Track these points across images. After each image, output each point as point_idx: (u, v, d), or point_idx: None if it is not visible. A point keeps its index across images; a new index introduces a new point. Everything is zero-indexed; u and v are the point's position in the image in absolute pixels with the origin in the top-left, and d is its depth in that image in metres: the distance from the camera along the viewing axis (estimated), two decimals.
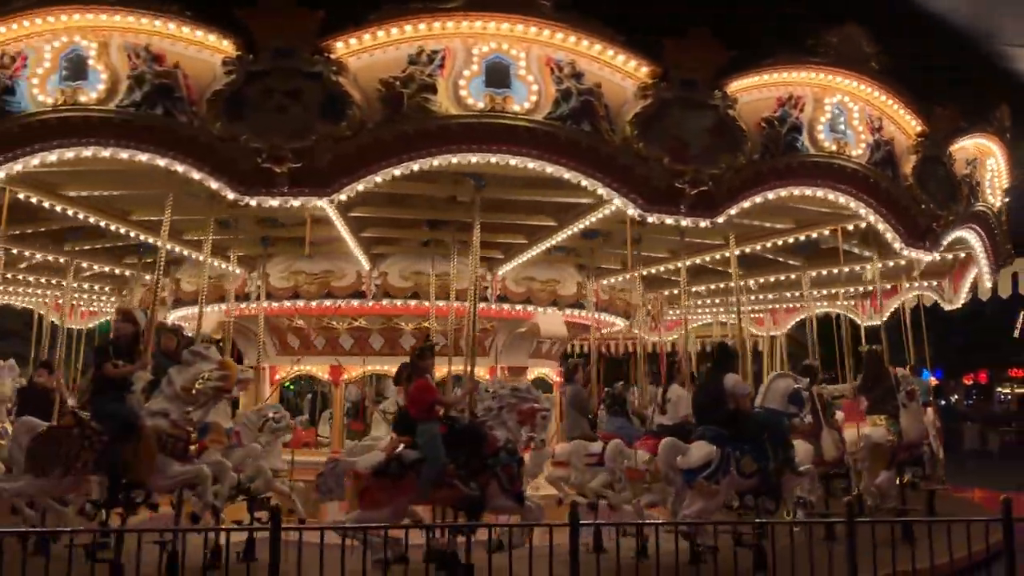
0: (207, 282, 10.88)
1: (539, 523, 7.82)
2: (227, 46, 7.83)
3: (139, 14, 7.76)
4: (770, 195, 8.93)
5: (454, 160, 8.07)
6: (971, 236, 11.35)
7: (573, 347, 18.76)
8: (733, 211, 8.74)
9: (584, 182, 8.28)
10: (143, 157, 7.84)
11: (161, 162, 7.88)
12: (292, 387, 17.91)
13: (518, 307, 12.92)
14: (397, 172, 8.03)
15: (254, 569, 8.24)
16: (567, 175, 8.23)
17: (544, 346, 14.33)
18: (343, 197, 8.09)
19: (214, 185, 7.96)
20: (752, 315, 19.93)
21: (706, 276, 14.88)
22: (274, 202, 7.99)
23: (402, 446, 8.33)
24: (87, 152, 7.87)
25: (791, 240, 11.65)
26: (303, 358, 12.99)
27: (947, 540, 6.95)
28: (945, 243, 10.46)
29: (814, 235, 11.27)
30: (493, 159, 8.06)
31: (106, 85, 7.77)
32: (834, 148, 9.04)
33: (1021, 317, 24.84)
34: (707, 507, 8.39)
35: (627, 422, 11.40)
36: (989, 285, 12.95)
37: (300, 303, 12.26)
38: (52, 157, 7.90)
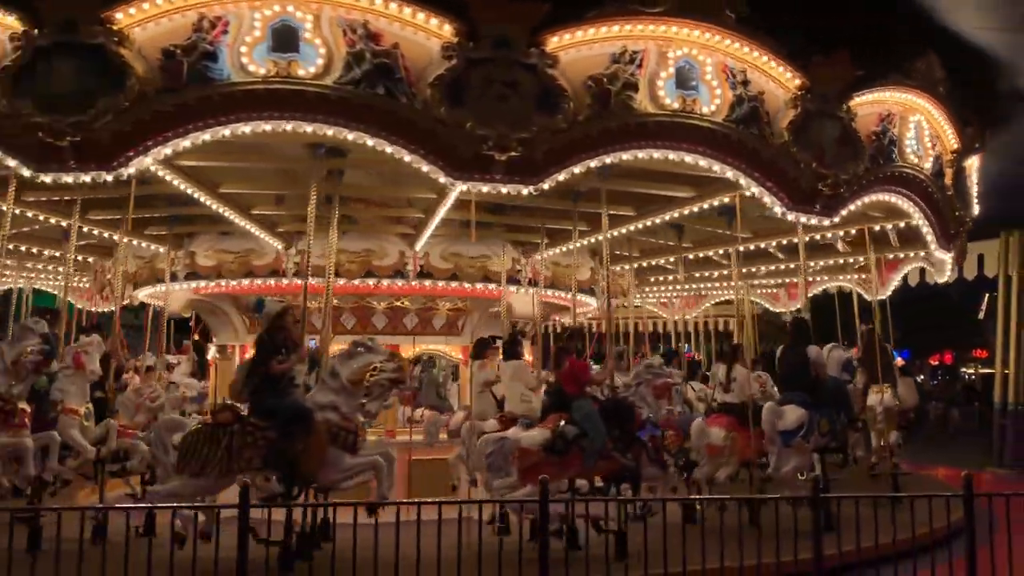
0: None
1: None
2: (447, 31, 7.88)
3: None
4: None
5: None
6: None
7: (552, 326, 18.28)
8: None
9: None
10: (350, 135, 7.85)
11: (370, 142, 7.88)
12: None
13: (441, 283, 12.57)
14: (593, 164, 8.34)
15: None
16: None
17: (517, 326, 14.07)
18: (545, 186, 8.26)
19: (425, 168, 8.02)
20: (767, 291, 19.06)
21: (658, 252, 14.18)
22: (485, 187, 8.17)
23: (562, 422, 8.61)
24: (287, 126, 7.76)
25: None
26: None
27: (911, 516, 6.97)
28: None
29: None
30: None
31: (323, 60, 7.69)
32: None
33: (986, 299, 23.91)
34: (800, 464, 9.53)
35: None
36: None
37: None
38: (246, 130, 7.77)
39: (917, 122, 10.29)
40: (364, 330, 12.22)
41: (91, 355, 9.32)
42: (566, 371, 8.98)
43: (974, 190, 12.43)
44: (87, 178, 7.84)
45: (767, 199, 9.03)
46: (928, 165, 10.48)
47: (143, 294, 14.25)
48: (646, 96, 8.30)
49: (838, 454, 10.40)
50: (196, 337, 16.52)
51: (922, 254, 14.11)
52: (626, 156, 8.41)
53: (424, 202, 11.14)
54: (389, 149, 7.89)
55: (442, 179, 8.03)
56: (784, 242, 13.23)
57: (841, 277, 15.86)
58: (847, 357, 10.88)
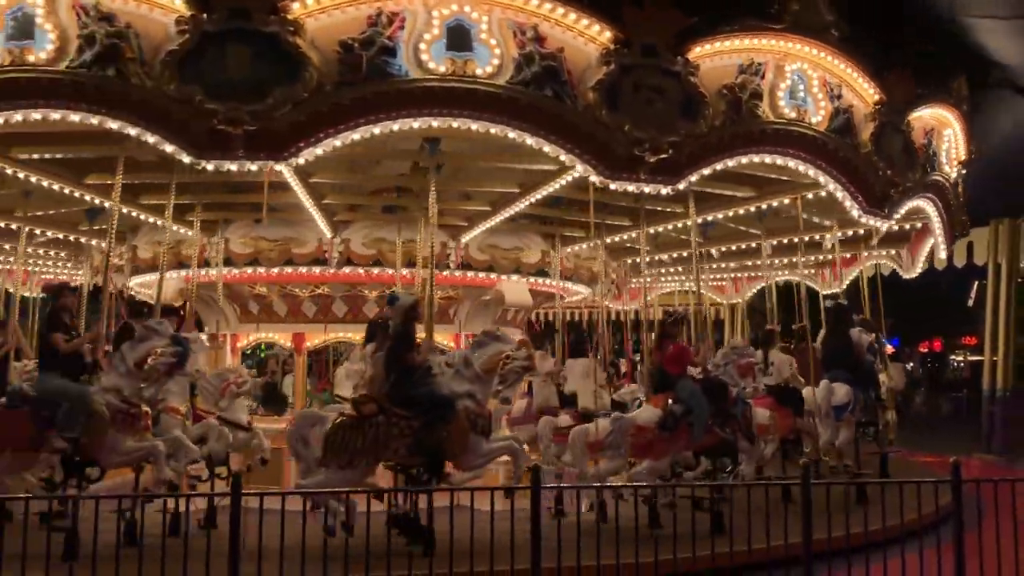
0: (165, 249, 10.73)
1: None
2: (607, 37, 8.21)
3: None
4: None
5: None
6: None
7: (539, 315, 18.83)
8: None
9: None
10: (494, 129, 8.03)
11: (530, 140, 8.12)
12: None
13: (481, 275, 12.87)
14: (719, 167, 8.91)
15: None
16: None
17: (509, 314, 14.38)
18: (681, 187, 8.80)
19: (579, 167, 8.37)
20: (714, 283, 20.16)
21: (669, 246, 14.93)
22: (631, 187, 8.62)
23: (670, 401, 9.06)
24: (455, 124, 7.96)
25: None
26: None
27: (899, 502, 7.08)
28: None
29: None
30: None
31: (498, 60, 7.90)
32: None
33: (975, 286, 25.28)
34: (849, 436, 10.65)
35: None
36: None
37: (261, 270, 12.13)
38: (416, 125, 7.93)
39: (949, 136, 11.51)
40: (355, 319, 12.46)
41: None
42: (670, 354, 9.44)
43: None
44: (254, 167, 7.76)
45: (847, 203, 9.92)
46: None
47: (135, 282, 13.80)
48: (768, 105, 8.99)
49: (870, 427, 11.49)
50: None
51: (893, 252, 15.62)
52: (745, 160, 9.06)
53: (490, 196, 11.44)
54: (547, 148, 8.22)
55: (593, 177, 8.42)
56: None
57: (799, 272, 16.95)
58: (869, 340, 11.62)
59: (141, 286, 14.00)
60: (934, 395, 23.62)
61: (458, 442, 8.04)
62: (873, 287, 14.85)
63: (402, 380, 8.12)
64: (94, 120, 7.62)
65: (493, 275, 12.86)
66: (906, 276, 15.74)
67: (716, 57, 8.76)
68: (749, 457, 9.69)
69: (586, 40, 8.24)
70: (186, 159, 7.71)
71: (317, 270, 12.09)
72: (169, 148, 7.69)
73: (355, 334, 11.87)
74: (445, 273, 12.28)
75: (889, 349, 14.35)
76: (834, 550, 6.69)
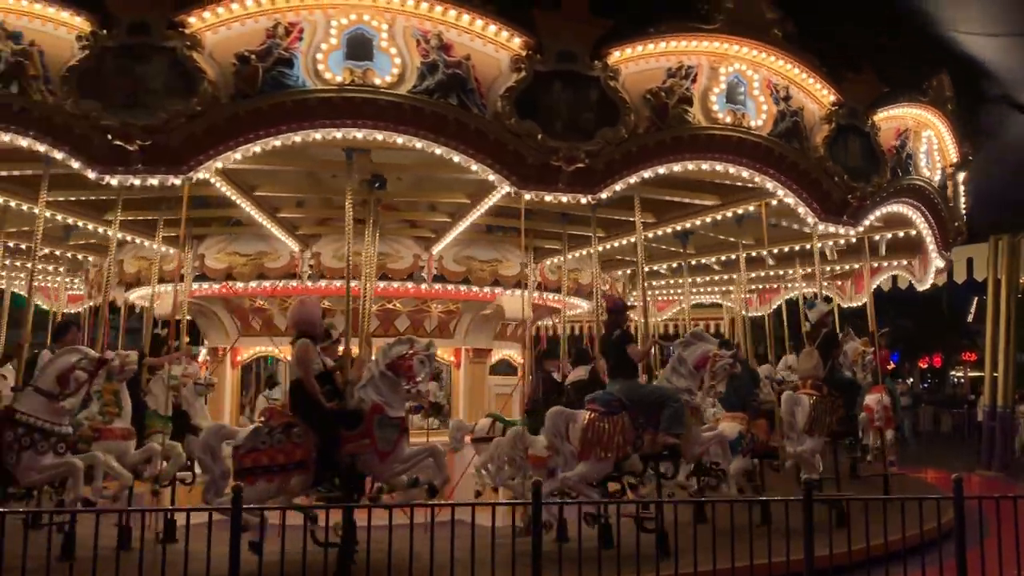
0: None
1: None
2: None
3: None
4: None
5: None
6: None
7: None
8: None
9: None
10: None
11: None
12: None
13: (461, 287, 12.67)
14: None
15: None
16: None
17: (509, 328, 14.20)
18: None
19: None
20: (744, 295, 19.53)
21: (660, 257, 14.52)
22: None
23: None
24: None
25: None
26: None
27: (900, 519, 7.05)
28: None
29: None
30: None
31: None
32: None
33: (975, 302, 24.62)
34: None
35: None
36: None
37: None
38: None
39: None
40: (354, 332, 12.29)
41: None
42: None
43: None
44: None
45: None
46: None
47: (135, 295, 14.03)
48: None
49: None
50: (187, 339, 16.24)
51: (905, 263, 14.92)
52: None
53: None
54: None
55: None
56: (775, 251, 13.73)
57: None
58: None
59: (142, 299, 14.24)
60: (936, 411, 22.76)
61: (688, 434, 8.64)
62: (878, 302, 14.43)
63: (628, 376, 8.78)
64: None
65: (463, 288, 12.68)
66: (920, 288, 15.08)
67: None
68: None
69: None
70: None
71: (294, 284, 12.11)
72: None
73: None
74: (423, 287, 12.23)
75: (889, 365, 13.89)
76: (836, 566, 6.76)
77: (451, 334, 13.32)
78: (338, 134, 7.80)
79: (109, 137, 7.42)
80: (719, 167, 8.83)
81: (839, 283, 17.06)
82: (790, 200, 9.34)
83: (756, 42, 8.75)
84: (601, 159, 8.11)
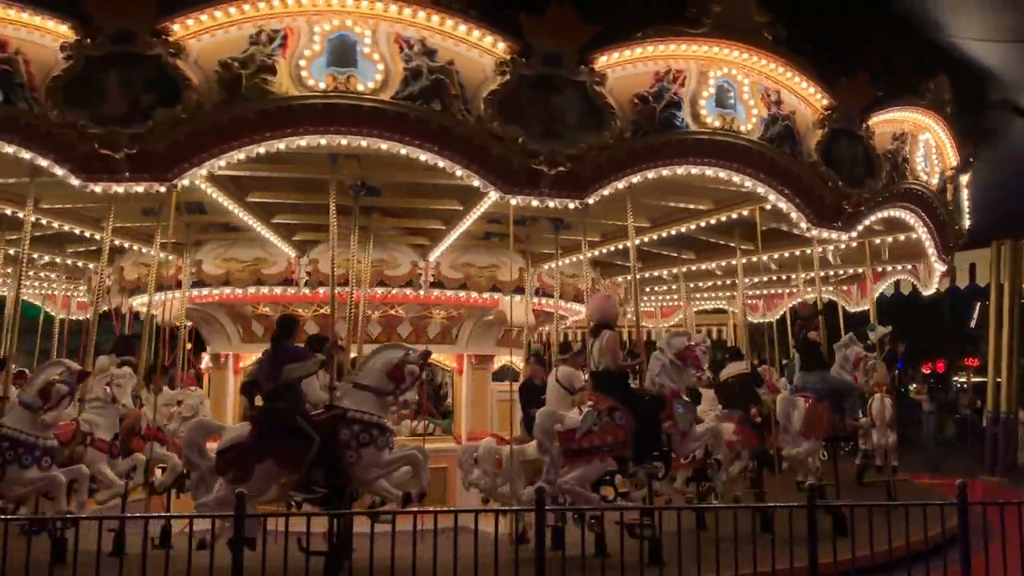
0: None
1: None
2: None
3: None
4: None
5: None
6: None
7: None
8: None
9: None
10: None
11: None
12: None
13: (461, 294, 12.63)
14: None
15: None
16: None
17: (512, 334, 14.14)
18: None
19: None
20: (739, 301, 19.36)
21: (656, 261, 14.43)
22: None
23: None
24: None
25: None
26: None
27: (904, 525, 7.02)
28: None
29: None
30: None
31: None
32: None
33: (978, 307, 24.33)
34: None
35: None
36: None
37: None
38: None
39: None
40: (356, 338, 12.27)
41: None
42: None
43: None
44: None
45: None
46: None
47: (138, 302, 14.07)
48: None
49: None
50: (189, 346, 16.29)
51: (909, 267, 14.76)
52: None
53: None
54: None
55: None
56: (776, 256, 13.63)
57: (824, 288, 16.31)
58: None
59: (143, 306, 14.28)
60: (939, 417, 22.62)
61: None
62: (880, 308, 14.29)
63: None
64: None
65: (462, 294, 12.63)
66: (925, 293, 14.91)
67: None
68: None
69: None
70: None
71: (291, 290, 12.10)
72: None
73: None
74: (421, 293, 12.21)
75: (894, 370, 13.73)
76: (841, 572, 6.77)
77: (453, 340, 13.29)
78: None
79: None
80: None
81: (845, 288, 16.93)
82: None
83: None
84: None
